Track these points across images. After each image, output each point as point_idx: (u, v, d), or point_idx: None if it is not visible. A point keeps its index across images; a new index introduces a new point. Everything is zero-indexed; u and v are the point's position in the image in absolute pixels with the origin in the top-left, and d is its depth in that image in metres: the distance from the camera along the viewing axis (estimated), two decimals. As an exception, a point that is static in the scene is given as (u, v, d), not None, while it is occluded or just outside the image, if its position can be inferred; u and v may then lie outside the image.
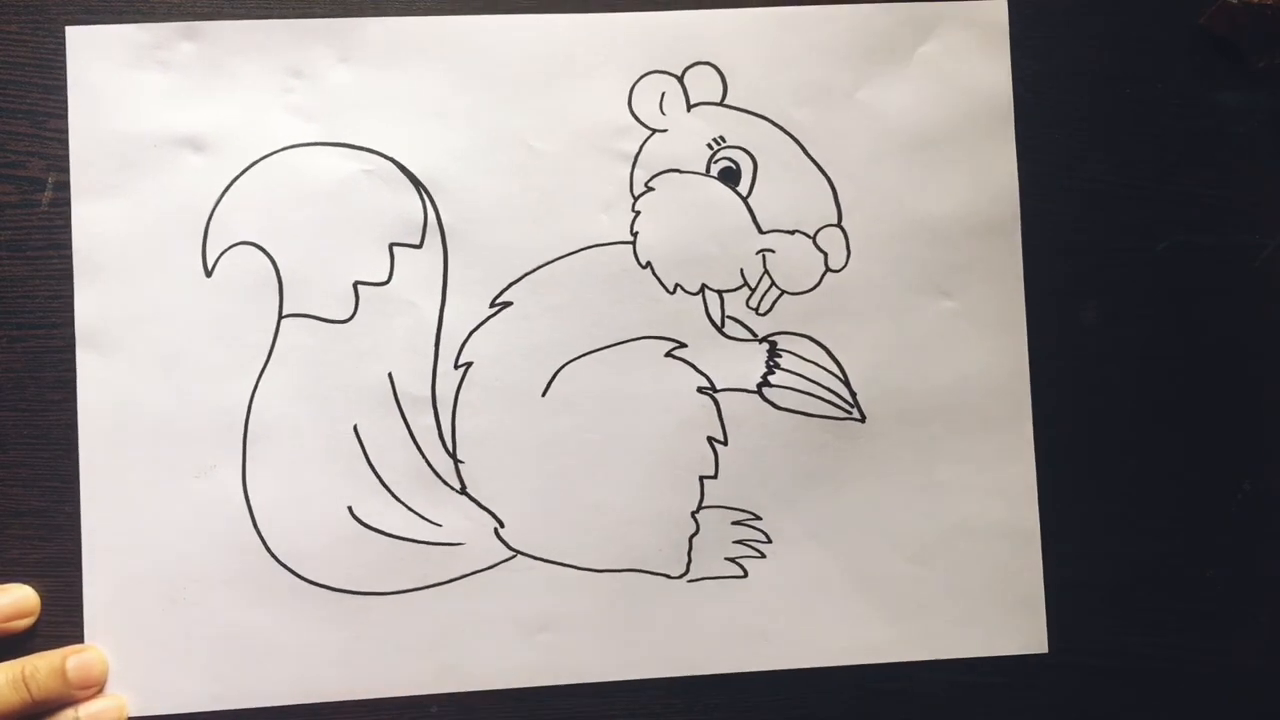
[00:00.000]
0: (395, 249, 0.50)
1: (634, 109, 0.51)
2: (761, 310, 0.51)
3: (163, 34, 0.50)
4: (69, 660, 0.48)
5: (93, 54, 0.49)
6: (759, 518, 0.51)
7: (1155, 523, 0.53)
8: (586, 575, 0.51)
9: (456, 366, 0.50)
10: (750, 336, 0.52)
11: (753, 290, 0.51)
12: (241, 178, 0.50)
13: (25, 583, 0.49)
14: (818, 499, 0.52)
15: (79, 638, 0.49)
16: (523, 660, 0.50)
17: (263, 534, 0.50)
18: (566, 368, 0.51)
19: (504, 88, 0.51)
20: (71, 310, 0.49)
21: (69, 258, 0.49)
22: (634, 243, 0.51)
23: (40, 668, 0.47)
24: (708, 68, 0.51)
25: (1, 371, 0.49)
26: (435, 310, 0.50)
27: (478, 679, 0.50)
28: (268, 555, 0.50)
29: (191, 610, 0.49)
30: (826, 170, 0.52)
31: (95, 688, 0.48)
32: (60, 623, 0.49)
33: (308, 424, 0.50)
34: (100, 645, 0.49)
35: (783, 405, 0.51)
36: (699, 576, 0.51)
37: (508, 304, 0.51)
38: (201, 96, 0.50)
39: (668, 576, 0.51)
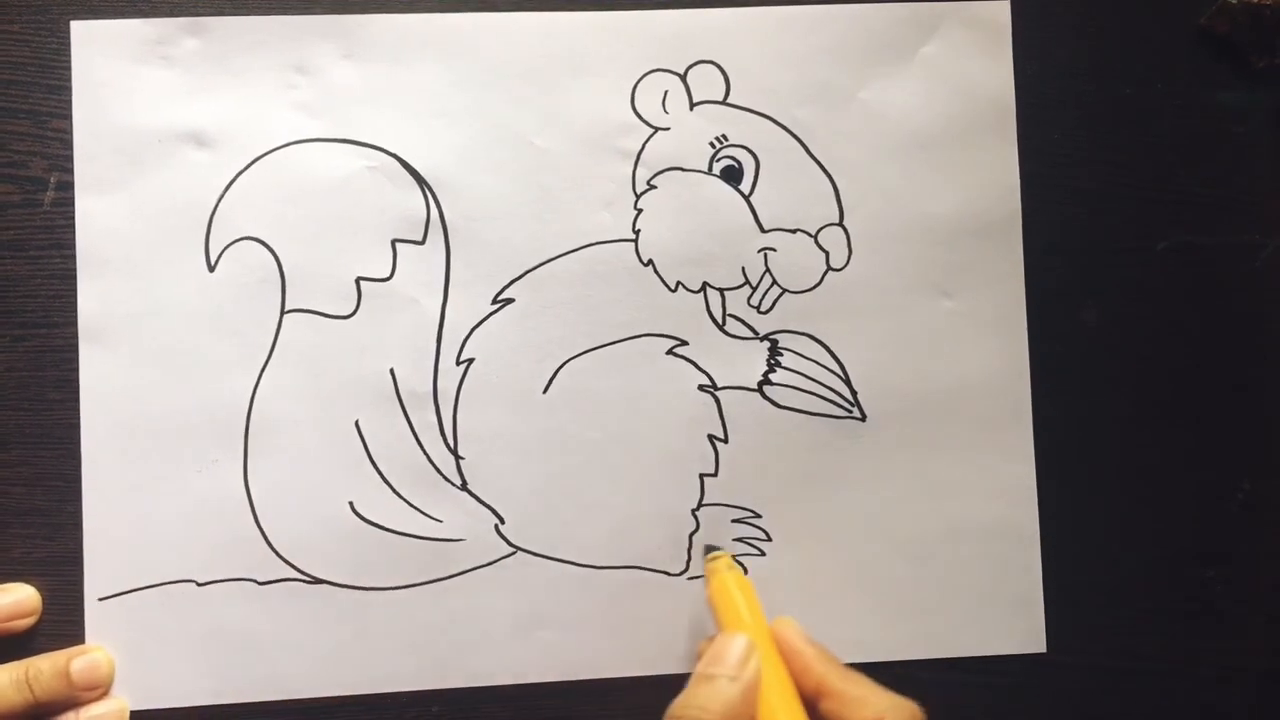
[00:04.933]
0: (398, 245, 0.50)
1: (636, 107, 0.51)
2: (763, 309, 0.51)
3: (167, 29, 0.50)
4: (74, 662, 0.47)
5: (97, 49, 0.49)
6: (759, 515, 0.51)
7: (1154, 523, 0.53)
8: (586, 572, 0.51)
9: (458, 363, 0.50)
10: (751, 335, 0.52)
11: (754, 289, 0.51)
12: (245, 173, 0.50)
13: (27, 582, 0.49)
14: (817, 497, 0.52)
15: (80, 636, 0.49)
16: (522, 657, 0.50)
17: (264, 529, 0.50)
18: (568, 365, 0.51)
19: (507, 85, 0.51)
20: (73, 310, 0.49)
21: (71, 257, 0.49)
22: (636, 240, 0.51)
23: (44, 669, 0.47)
24: (710, 66, 0.51)
25: (3, 371, 0.49)
26: (437, 306, 0.50)
27: (477, 675, 0.50)
28: (269, 550, 0.49)
29: (192, 605, 0.49)
30: (828, 169, 0.52)
31: (100, 689, 0.48)
32: (61, 621, 0.49)
33: (309, 419, 0.50)
34: (100, 641, 0.49)
35: (783, 404, 0.52)
36: (699, 574, 0.51)
37: (509, 301, 0.51)
38: (205, 92, 0.50)
39: (667, 574, 0.51)
